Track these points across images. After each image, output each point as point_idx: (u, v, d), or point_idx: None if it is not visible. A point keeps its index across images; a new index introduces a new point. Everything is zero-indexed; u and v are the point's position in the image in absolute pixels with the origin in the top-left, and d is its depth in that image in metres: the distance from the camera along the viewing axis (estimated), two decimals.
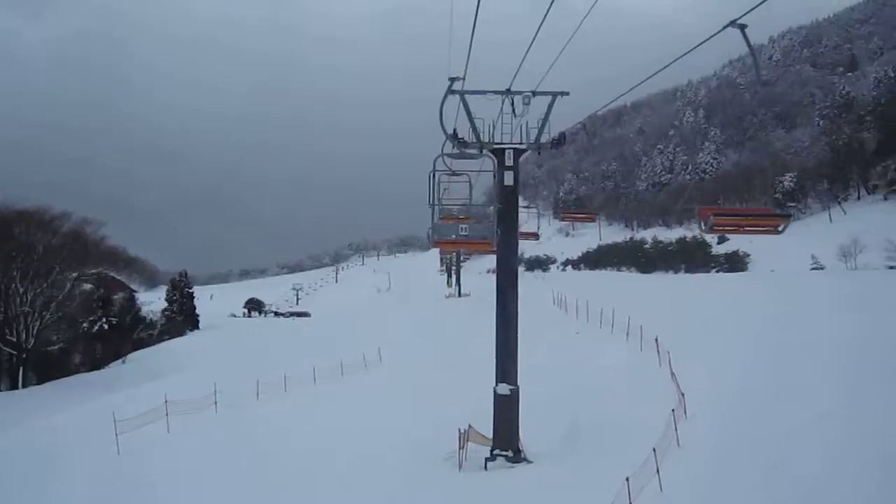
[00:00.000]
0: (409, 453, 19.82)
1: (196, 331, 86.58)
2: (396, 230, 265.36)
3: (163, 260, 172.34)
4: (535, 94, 18.05)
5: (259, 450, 22.51)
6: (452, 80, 17.30)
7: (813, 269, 70.90)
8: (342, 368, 35.65)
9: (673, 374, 20.84)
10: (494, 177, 21.62)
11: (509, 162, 18.11)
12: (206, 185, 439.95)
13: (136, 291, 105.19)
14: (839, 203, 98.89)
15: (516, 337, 18.20)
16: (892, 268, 63.22)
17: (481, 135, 18.16)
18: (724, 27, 9.44)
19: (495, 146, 18.19)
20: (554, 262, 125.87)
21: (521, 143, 18.23)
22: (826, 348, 20.94)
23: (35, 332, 58.54)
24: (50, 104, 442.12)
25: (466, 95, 17.90)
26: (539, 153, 19.11)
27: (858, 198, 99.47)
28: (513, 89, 17.92)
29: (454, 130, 18.08)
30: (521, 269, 33.05)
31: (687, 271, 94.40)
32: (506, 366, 18.01)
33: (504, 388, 17.80)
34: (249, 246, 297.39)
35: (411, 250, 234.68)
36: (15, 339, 57.06)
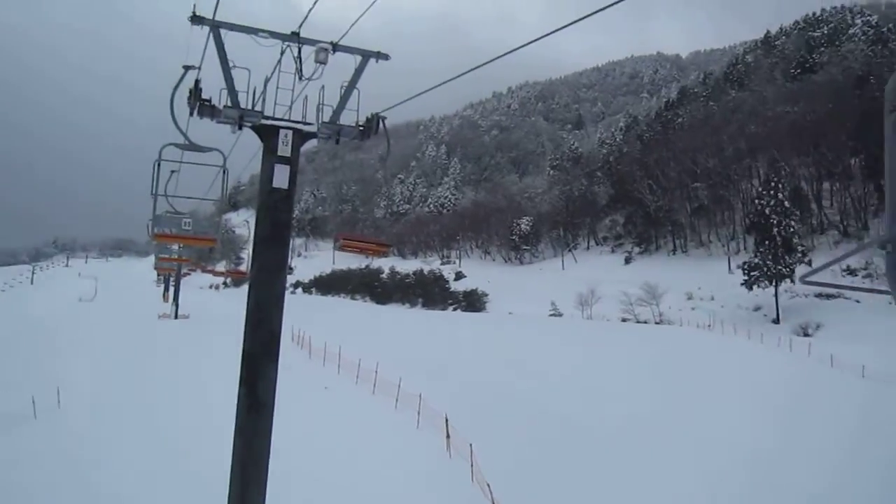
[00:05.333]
0: None
1: None
2: (111, 231, 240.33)
3: None
4: (336, 47, 11.05)
5: None
6: (187, 67, 10.22)
7: (552, 315, 70.89)
8: None
9: (487, 485, 14.68)
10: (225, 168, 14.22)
11: (285, 150, 10.73)
12: None
13: None
14: (570, 251, 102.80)
15: (268, 448, 10.68)
16: (625, 320, 64.62)
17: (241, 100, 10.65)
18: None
19: (265, 121, 10.72)
20: None
21: (306, 122, 10.99)
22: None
23: None
24: None
25: (224, 33, 10.46)
26: (337, 142, 11.89)
27: (588, 247, 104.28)
28: (303, 35, 10.89)
29: (196, 83, 10.43)
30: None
31: (424, 305, 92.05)
32: (245, 497, 10.45)
33: None
34: None
35: (126, 255, 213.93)
36: None
